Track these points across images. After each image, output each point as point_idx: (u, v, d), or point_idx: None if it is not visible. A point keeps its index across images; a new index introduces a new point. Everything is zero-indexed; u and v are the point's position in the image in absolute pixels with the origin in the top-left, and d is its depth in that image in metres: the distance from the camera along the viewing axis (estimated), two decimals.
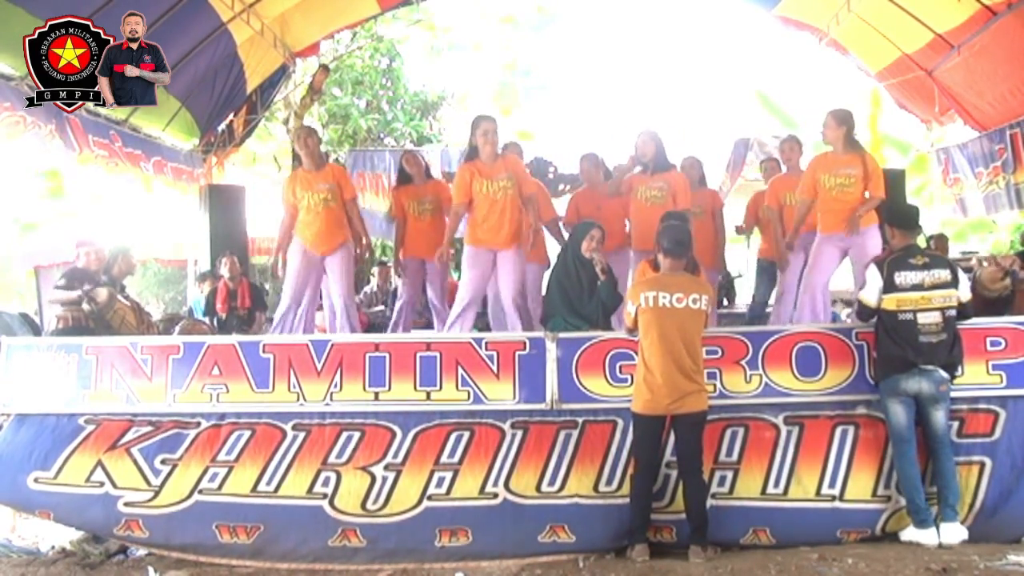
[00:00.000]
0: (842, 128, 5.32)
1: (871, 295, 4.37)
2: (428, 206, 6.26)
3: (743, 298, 9.37)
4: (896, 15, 8.96)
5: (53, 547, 4.83)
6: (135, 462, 4.58)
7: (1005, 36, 8.03)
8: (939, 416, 4.24)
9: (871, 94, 12.81)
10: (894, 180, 9.42)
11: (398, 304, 6.47)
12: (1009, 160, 8.94)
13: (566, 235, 5.88)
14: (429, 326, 6.81)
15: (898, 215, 4.62)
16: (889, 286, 4.30)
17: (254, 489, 4.49)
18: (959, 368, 4.34)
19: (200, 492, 4.50)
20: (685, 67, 25.05)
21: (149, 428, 4.65)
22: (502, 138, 5.69)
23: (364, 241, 6.07)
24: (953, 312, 4.29)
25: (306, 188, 5.65)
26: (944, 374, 4.23)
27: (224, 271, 7.62)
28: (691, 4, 20.14)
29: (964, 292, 4.37)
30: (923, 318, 4.25)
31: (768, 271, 6.66)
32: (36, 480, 4.57)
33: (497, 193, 5.39)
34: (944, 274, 4.30)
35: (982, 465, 4.36)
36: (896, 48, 9.66)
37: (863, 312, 4.48)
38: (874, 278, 4.36)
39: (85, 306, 5.30)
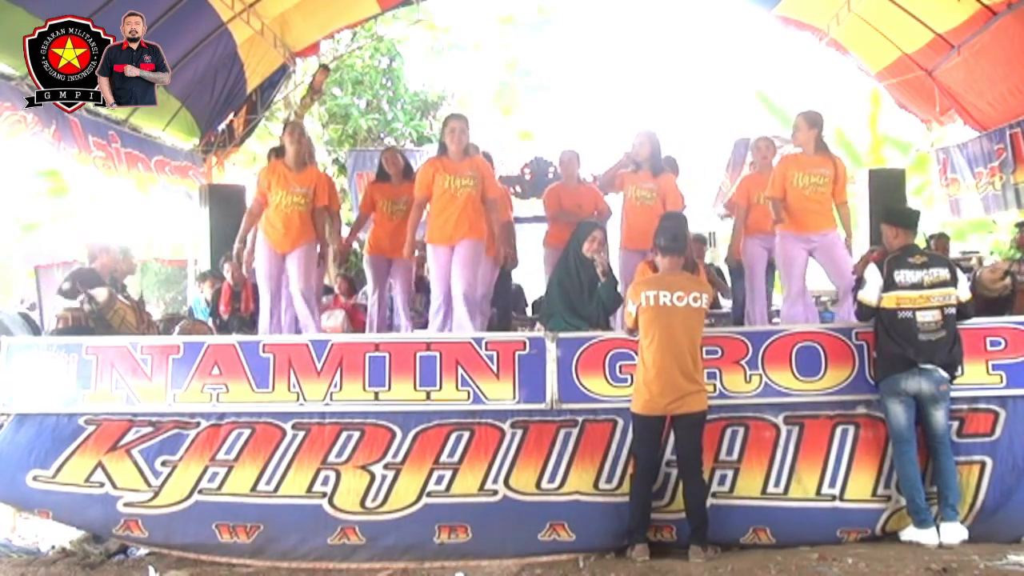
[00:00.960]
0: (813, 130, 5.37)
1: (871, 294, 4.38)
2: (402, 207, 6.11)
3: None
4: (896, 15, 8.97)
5: (53, 547, 4.84)
6: (135, 463, 4.58)
7: (1005, 36, 8.04)
8: (939, 416, 4.25)
9: (871, 94, 12.82)
10: (894, 180, 9.47)
11: (370, 307, 6.35)
12: (1008, 160, 8.95)
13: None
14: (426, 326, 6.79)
15: (898, 215, 4.65)
16: (889, 284, 4.32)
17: (254, 489, 4.49)
18: (959, 368, 4.34)
19: (200, 492, 4.50)
20: (685, 67, 25.08)
21: (149, 429, 4.65)
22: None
23: (331, 248, 5.98)
24: (952, 311, 4.30)
25: (281, 186, 5.53)
26: (944, 374, 4.24)
27: (227, 272, 7.62)
28: (691, 4, 20.13)
29: (963, 291, 4.38)
30: (922, 316, 4.26)
31: (739, 271, 6.62)
32: (35, 479, 4.57)
33: (459, 190, 5.37)
34: (943, 273, 4.31)
35: (982, 465, 4.36)
36: (896, 48, 9.67)
37: (863, 312, 4.48)
38: (874, 277, 4.38)
39: (85, 306, 5.30)
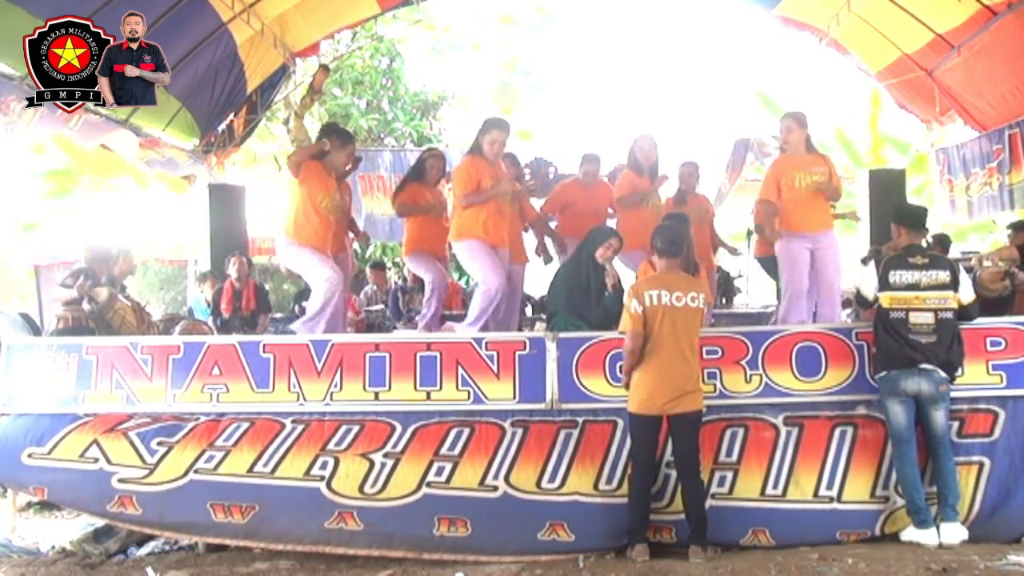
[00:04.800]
0: (804, 130, 5.42)
1: (868, 290, 4.44)
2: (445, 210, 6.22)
3: (740, 298, 9.38)
4: (896, 15, 8.96)
5: (53, 547, 4.84)
6: (131, 442, 4.59)
7: (1005, 36, 8.03)
8: (939, 416, 4.24)
9: (871, 94, 12.82)
10: (894, 180, 9.48)
11: (429, 297, 6.10)
12: (1006, 160, 8.93)
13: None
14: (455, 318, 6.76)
15: (906, 214, 4.64)
16: (883, 284, 4.33)
17: (250, 470, 4.47)
18: (959, 369, 4.33)
19: (195, 471, 4.48)
20: (685, 67, 25.11)
21: (147, 419, 4.67)
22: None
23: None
24: (948, 315, 4.28)
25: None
26: (943, 374, 4.23)
27: (232, 271, 7.65)
28: (691, 4, 20.17)
29: (966, 294, 4.35)
30: (915, 317, 4.25)
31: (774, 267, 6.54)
32: (30, 456, 4.58)
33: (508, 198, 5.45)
34: (943, 275, 4.30)
35: (981, 465, 4.35)
36: (896, 48, 9.66)
37: (860, 300, 4.56)
38: (870, 275, 4.41)
39: (86, 306, 5.30)
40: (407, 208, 6.07)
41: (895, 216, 4.67)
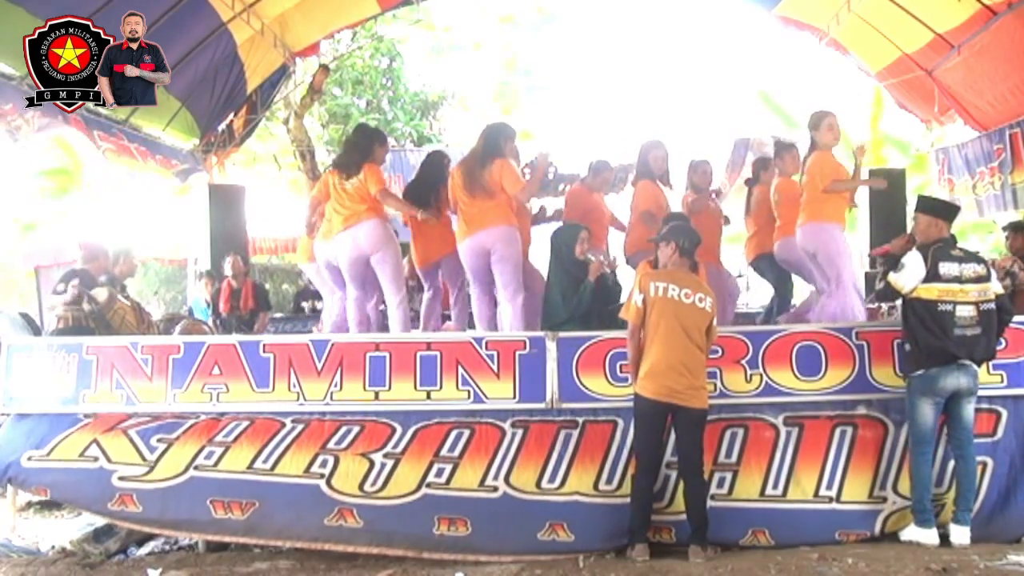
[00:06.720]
0: None
1: (909, 281, 4.24)
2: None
3: (742, 297, 9.37)
4: (896, 15, 8.97)
5: (53, 547, 4.83)
6: (130, 440, 4.60)
7: (1005, 36, 8.03)
8: (971, 409, 4.22)
9: (873, 94, 12.81)
10: (894, 180, 9.47)
11: (427, 303, 6.07)
12: (1007, 160, 8.94)
13: None
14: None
15: (940, 205, 4.56)
16: (932, 275, 4.20)
17: (250, 466, 4.48)
18: (990, 364, 4.31)
19: (195, 468, 4.49)
20: (686, 67, 25.09)
21: (147, 418, 4.68)
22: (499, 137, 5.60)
23: None
24: (990, 306, 4.22)
25: None
26: (976, 367, 4.21)
27: (227, 269, 7.69)
28: (691, 4, 20.14)
29: (997, 286, 4.30)
30: (961, 311, 4.17)
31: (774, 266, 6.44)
32: (30, 458, 4.59)
33: None
34: (980, 268, 4.24)
35: (984, 465, 4.35)
36: (896, 48, 9.67)
37: (887, 294, 4.40)
38: (916, 264, 4.24)
39: (85, 306, 5.30)
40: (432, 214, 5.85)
41: (926, 207, 4.48)
